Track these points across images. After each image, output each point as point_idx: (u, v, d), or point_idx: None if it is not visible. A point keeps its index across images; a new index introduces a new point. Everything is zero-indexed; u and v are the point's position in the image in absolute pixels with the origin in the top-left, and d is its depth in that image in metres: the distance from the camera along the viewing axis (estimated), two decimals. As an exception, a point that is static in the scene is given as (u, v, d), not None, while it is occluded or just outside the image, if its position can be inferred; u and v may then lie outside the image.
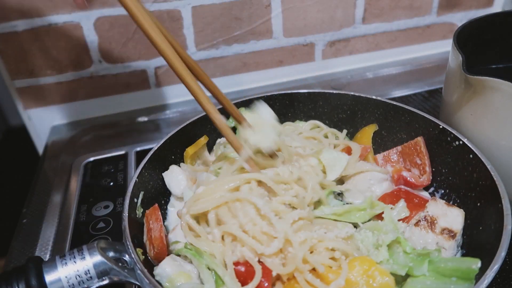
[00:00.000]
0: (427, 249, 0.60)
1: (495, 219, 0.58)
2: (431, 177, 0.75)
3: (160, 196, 0.76)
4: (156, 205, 0.68)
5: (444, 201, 0.67)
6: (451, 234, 0.62)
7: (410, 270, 0.57)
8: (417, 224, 0.64)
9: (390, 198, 0.72)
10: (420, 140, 0.77)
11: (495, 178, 0.62)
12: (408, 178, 0.75)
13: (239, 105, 0.86)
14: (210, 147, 0.86)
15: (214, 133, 0.84)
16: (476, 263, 0.53)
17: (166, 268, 0.58)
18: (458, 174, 0.71)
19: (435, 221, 0.63)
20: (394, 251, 0.60)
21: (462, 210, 0.65)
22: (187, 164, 0.81)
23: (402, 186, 0.75)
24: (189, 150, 0.80)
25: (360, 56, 1.33)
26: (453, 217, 0.64)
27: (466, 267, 0.54)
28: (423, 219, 0.64)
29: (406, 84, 1.24)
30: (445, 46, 1.39)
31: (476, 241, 0.62)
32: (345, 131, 0.88)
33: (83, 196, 0.89)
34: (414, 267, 0.57)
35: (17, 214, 0.86)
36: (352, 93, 0.87)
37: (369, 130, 0.86)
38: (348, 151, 0.80)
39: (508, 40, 0.88)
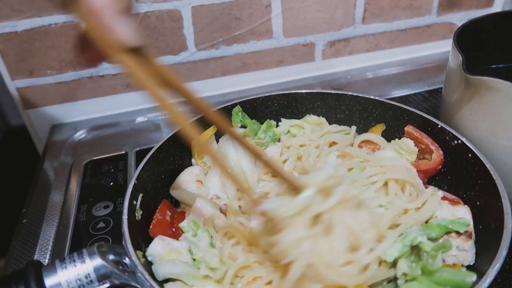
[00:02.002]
0: (440, 243, 0.59)
1: (495, 218, 0.58)
2: (441, 151, 0.73)
3: (159, 197, 0.75)
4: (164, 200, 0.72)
5: (446, 201, 0.66)
6: (467, 234, 0.60)
7: (425, 266, 0.56)
8: None
9: None
10: (408, 129, 0.77)
11: (494, 177, 0.62)
12: (423, 168, 0.73)
13: (241, 105, 0.86)
14: (217, 138, 0.85)
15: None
16: (471, 277, 0.53)
17: (156, 248, 0.61)
18: (457, 173, 0.71)
19: None
20: (419, 253, 0.58)
21: (466, 206, 0.64)
22: (194, 154, 0.81)
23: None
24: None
25: (360, 56, 1.33)
26: (462, 216, 0.62)
27: (461, 279, 0.54)
28: None
29: (406, 84, 1.24)
30: (445, 46, 1.39)
31: (476, 240, 0.61)
32: (354, 127, 0.86)
33: (83, 196, 0.89)
34: (432, 263, 0.56)
35: (17, 214, 0.86)
36: (350, 93, 0.87)
37: (376, 131, 0.86)
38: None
39: (508, 40, 0.88)
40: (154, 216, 0.68)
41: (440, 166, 0.74)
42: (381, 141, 0.81)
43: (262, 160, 0.61)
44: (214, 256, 0.60)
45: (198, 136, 0.49)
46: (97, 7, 0.40)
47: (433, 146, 0.74)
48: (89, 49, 0.46)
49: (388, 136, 0.84)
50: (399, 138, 0.81)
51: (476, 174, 0.66)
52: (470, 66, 0.70)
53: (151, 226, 0.66)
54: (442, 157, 0.73)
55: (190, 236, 0.65)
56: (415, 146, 0.76)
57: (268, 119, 0.88)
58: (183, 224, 0.68)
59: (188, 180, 0.76)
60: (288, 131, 0.87)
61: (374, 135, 0.82)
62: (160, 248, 0.61)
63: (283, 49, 1.23)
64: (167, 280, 0.59)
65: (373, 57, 1.34)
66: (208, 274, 0.58)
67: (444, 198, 0.69)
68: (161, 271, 0.58)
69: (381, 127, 0.85)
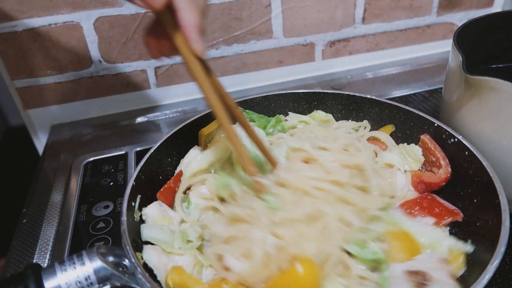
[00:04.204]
0: None
1: (492, 215, 0.58)
2: (449, 169, 0.71)
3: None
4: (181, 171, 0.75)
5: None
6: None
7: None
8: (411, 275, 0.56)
9: (410, 205, 0.69)
10: (424, 138, 0.76)
11: (491, 174, 0.62)
12: (426, 180, 0.71)
13: (238, 105, 0.86)
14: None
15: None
16: None
17: (153, 210, 0.67)
18: (454, 171, 0.71)
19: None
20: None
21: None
22: (201, 144, 0.81)
23: (435, 194, 0.72)
24: (204, 131, 0.81)
25: (360, 56, 1.33)
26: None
27: None
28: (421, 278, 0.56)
29: (406, 84, 1.24)
30: (445, 46, 1.39)
31: (474, 237, 0.62)
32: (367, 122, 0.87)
33: (83, 196, 0.89)
34: None
35: (17, 214, 0.86)
36: (347, 93, 0.87)
37: (385, 132, 0.84)
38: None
39: (508, 40, 0.88)
40: (167, 182, 0.73)
41: (444, 183, 0.72)
42: (389, 141, 0.81)
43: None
44: (194, 231, 0.64)
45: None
46: (188, 25, 0.54)
47: (443, 162, 0.72)
48: (160, 41, 0.58)
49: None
50: (396, 138, 0.81)
51: (473, 171, 0.66)
52: (470, 66, 0.69)
53: (161, 189, 0.72)
54: (448, 175, 0.71)
55: (185, 207, 0.70)
56: (426, 156, 0.75)
57: (277, 114, 0.89)
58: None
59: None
60: (295, 127, 0.88)
61: (384, 134, 0.82)
62: (155, 211, 0.66)
63: (283, 49, 1.23)
64: (148, 243, 0.62)
65: (373, 57, 1.34)
66: (181, 247, 0.62)
67: (444, 207, 0.68)
68: (145, 233, 0.63)
69: (390, 128, 0.85)
